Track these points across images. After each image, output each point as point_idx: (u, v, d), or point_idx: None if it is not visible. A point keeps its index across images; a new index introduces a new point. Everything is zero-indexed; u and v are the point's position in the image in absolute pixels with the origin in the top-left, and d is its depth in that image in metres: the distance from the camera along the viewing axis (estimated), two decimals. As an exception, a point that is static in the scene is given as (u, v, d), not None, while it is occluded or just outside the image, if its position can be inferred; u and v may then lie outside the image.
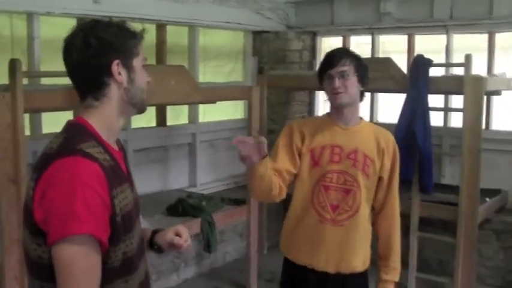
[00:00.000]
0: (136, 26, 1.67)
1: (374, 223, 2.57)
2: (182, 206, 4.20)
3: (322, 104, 6.09)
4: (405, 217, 4.52)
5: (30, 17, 3.93)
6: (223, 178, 5.60)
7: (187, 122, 5.37)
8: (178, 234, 1.81)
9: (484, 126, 4.77)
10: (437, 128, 5.02)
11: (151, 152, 4.96)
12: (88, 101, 1.59)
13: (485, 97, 4.39)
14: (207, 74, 5.51)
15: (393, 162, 2.52)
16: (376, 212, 2.57)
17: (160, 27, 4.95)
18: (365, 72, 2.45)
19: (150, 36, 4.93)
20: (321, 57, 5.89)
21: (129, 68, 1.60)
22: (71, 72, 1.60)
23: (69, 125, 1.60)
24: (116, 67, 1.56)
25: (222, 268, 5.28)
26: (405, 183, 4.47)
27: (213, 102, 4.43)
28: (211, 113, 5.54)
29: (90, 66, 1.55)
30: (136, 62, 1.62)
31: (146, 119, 5.00)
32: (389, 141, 2.53)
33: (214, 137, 5.54)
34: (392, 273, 2.56)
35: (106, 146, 1.57)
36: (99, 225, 1.43)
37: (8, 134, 2.95)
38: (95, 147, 1.51)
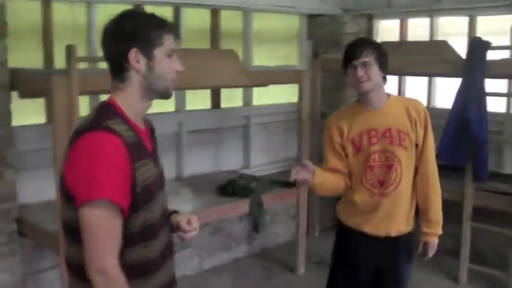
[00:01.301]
0: (167, 17, 1.79)
1: (413, 183, 2.79)
2: (232, 187, 4.31)
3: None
4: (457, 205, 4.48)
5: (89, 5, 4.11)
6: (277, 160, 5.66)
7: (241, 104, 5.46)
8: (189, 222, 1.91)
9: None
10: (499, 115, 4.90)
11: (205, 134, 5.08)
12: (115, 83, 1.77)
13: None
14: (262, 58, 5.56)
15: (425, 128, 2.73)
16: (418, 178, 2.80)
17: (215, 12, 5.03)
18: (385, 59, 2.69)
19: (205, 21, 5.03)
20: (377, 40, 5.90)
21: (149, 56, 1.72)
22: (104, 56, 1.79)
23: (100, 105, 1.78)
24: (134, 55, 1.71)
25: (272, 249, 5.36)
26: (458, 171, 4.42)
27: (264, 85, 4.49)
28: (267, 96, 5.61)
29: (114, 52, 1.74)
30: (158, 52, 1.73)
31: (201, 102, 5.12)
32: (420, 110, 2.74)
33: (269, 120, 5.60)
34: (434, 227, 2.79)
35: (131, 124, 1.73)
36: (119, 192, 1.61)
37: (64, 114, 3.13)
38: (120, 124, 1.68)
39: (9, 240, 3.57)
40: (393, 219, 2.73)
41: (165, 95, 1.83)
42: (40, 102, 4.07)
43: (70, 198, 1.64)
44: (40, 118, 4.11)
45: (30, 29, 4.02)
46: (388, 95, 2.77)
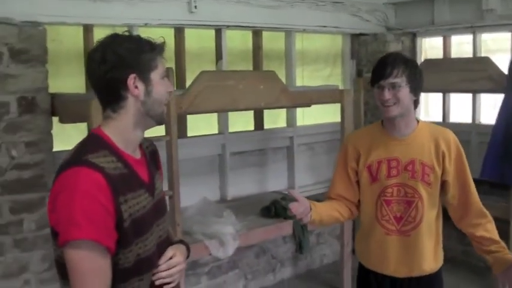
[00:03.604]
0: (158, 38, 1.75)
1: (466, 225, 2.50)
2: (275, 208, 4.30)
3: (424, 106, 5.98)
4: (504, 222, 4.36)
5: (130, 29, 4.21)
6: (321, 181, 5.62)
7: (285, 125, 5.48)
8: (173, 256, 1.81)
9: None
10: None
11: (248, 156, 5.12)
12: (107, 113, 1.70)
13: None
14: (305, 78, 5.59)
15: (458, 161, 2.44)
16: (461, 216, 2.50)
17: (256, 33, 5.10)
18: (418, 81, 2.39)
19: (247, 42, 5.11)
20: (421, 58, 5.86)
21: (146, 81, 1.68)
22: (92, 85, 1.72)
23: (86, 137, 1.73)
24: (132, 81, 1.66)
25: (318, 270, 5.32)
26: (502, 187, 4.32)
27: (306, 105, 4.50)
28: (312, 116, 5.62)
29: (108, 80, 1.65)
30: (154, 75, 1.69)
31: (244, 123, 5.17)
32: (450, 141, 2.44)
33: (313, 140, 5.60)
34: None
35: (120, 154, 1.66)
36: (100, 231, 1.52)
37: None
38: (106, 156, 1.61)
39: (52, 266, 3.60)
40: (414, 260, 2.45)
41: (161, 120, 1.78)
42: (82, 127, 4.17)
43: (55, 234, 1.57)
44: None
45: (72, 54, 4.12)
46: (417, 121, 2.47)
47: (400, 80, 2.31)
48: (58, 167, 1.64)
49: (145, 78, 1.68)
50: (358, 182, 2.51)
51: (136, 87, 1.67)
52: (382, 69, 2.34)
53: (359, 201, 2.55)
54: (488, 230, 2.45)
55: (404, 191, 2.41)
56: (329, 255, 5.46)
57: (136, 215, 1.63)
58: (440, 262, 2.53)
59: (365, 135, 2.56)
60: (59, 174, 1.58)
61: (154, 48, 1.70)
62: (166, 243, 1.82)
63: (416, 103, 2.43)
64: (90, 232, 1.50)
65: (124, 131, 1.69)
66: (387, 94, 2.32)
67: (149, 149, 1.88)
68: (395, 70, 2.32)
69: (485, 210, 2.48)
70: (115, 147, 1.67)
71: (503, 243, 2.43)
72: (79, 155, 1.60)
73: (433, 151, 2.41)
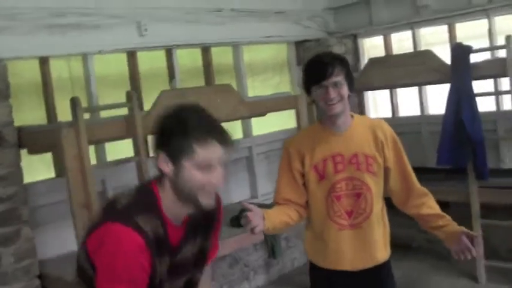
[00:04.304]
0: (216, 124, 1.65)
1: (410, 207, 2.58)
2: (244, 217, 4.38)
3: (372, 103, 6.20)
4: (465, 206, 4.58)
5: (85, 57, 4.28)
6: (283, 187, 5.74)
7: (241, 136, 5.59)
8: None
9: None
10: (490, 113, 5.05)
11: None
12: (160, 176, 1.71)
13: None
14: (256, 88, 5.72)
15: (395, 147, 2.53)
16: (404, 199, 2.59)
17: (205, 50, 5.21)
18: (352, 77, 2.47)
19: (197, 59, 5.20)
20: (364, 59, 6.08)
21: (175, 164, 1.63)
22: None
23: (145, 187, 1.75)
24: (163, 159, 1.64)
25: (290, 273, 5.41)
26: (460, 172, 4.54)
27: (263, 114, 4.63)
28: (265, 126, 5.74)
29: (154, 151, 1.69)
30: (188, 163, 1.61)
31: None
32: (386, 130, 2.54)
33: (270, 147, 5.71)
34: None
35: (164, 221, 1.69)
36: (138, 285, 1.64)
37: (76, 164, 3.25)
38: (152, 218, 1.65)
39: (34, 297, 3.61)
40: (368, 251, 2.51)
41: (196, 206, 1.69)
42: (47, 158, 4.19)
43: (90, 259, 1.67)
44: (49, 173, 4.22)
45: (32, 87, 4.17)
46: (352, 116, 2.53)
47: (341, 78, 2.39)
48: (108, 205, 1.72)
49: (174, 161, 1.63)
50: (303, 184, 2.52)
51: (167, 165, 1.64)
52: (323, 70, 2.38)
53: (306, 202, 2.55)
54: (432, 206, 2.56)
55: (353, 184, 2.45)
56: (299, 258, 5.55)
57: (159, 274, 1.72)
58: (389, 250, 2.61)
59: (305, 137, 2.57)
60: (108, 223, 1.64)
61: (197, 133, 1.60)
62: None
63: (349, 98, 2.48)
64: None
65: (168, 200, 1.69)
66: (332, 93, 2.36)
67: (207, 212, 1.79)
68: (336, 69, 2.37)
69: (424, 188, 2.59)
70: (162, 212, 1.69)
71: (448, 216, 2.53)
72: (131, 213, 1.64)
73: (372, 141, 2.49)
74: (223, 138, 1.64)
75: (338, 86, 2.38)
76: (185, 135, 1.60)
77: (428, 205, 2.55)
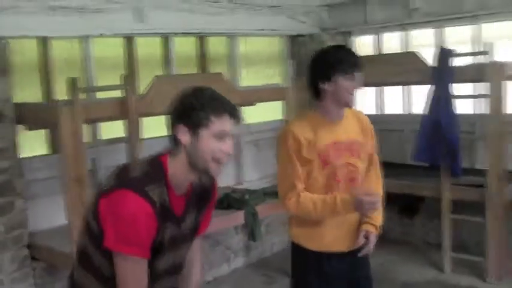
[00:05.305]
0: (227, 100, 1.87)
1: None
2: (227, 200, 4.61)
3: (360, 100, 6.39)
4: (438, 201, 4.84)
5: (85, 40, 4.47)
6: (268, 175, 5.90)
7: (231, 124, 5.76)
8: None
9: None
10: (470, 116, 5.27)
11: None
12: (173, 150, 1.92)
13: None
14: (250, 79, 5.91)
15: (373, 137, 2.74)
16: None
17: (201, 39, 5.40)
18: None
19: (193, 48, 5.39)
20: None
21: (193, 134, 1.85)
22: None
23: (156, 160, 1.94)
24: (181, 130, 1.86)
25: (270, 258, 5.68)
26: (436, 169, 4.77)
27: (252, 104, 4.82)
28: (256, 116, 5.93)
29: (170, 124, 1.90)
30: (205, 132, 1.83)
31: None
32: (366, 120, 2.73)
33: (258, 137, 5.91)
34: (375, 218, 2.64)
35: (169, 190, 1.90)
36: (144, 248, 1.85)
37: (71, 142, 3.44)
38: (159, 187, 1.86)
39: (22, 265, 3.81)
40: (355, 232, 2.66)
41: (205, 172, 1.90)
42: (42, 134, 4.37)
43: (99, 221, 1.87)
44: (43, 150, 4.41)
45: (31, 66, 4.33)
46: None
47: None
48: (121, 171, 1.92)
49: (192, 132, 1.85)
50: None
51: (184, 136, 1.86)
52: (358, 61, 2.52)
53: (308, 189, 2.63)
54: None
55: (348, 169, 2.59)
56: (278, 244, 5.80)
57: (163, 240, 1.92)
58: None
59: (307, 124, 2.60)
60: (121, 190, 1.83)
61: (214, 109, 1.84)
62: (179, 268, 2.11)
63: None
64: (137, 250, 1.84)
65: (179, 169, 1.90)
66: (358, 85, 2.52)
67: (205, 185, 2.06)
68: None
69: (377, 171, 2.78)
70: (168, 182, 1.90)
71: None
72: (142, 182, 1.84)
73: (360, 129, 2.68)
74: (234, 112, 1.88)
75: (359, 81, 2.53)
76: (203, 109, 1.83)
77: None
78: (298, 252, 2.74)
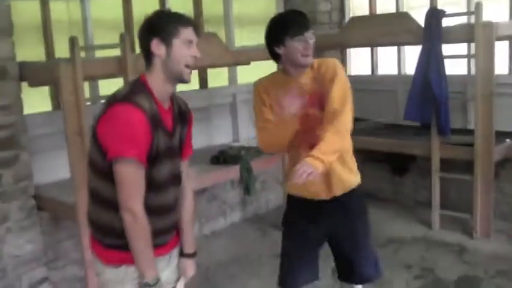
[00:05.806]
0: (186, 14, 2.20)
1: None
2: (223, 156, 4.78)
3: (354, 60, 6.52)
4: (429, 160, 5.01)
5: (83, 0, 4.56)
6: (263, 133, 6.10)
7: (227, 83, 5.91)
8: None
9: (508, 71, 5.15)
10: (462, 76, 5.39)
11: (195, 112, 5.38)
12: (147, 67, 2.20)
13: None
14: (244, 39, 6.00)
15: (332, 75, 2.65)
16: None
17: (196, -1, 5.48)
18: None
19: (188, 8, 5.47)
20: (349, 16, 6.33)
21: (167, 45, 2.13)
22: (139, 47, 2.22)
23: (134, 81, 2.23)
24: (156, 43, 2.13)
25: (265, 214, 5.89)
26: (426, 129, 4.92)
27: (247, 63, 4.94)
28: (250, 75, 6.05)
29: (143, 43, 2.18)
30: (176, 41, 2.13)
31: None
32: (329, 63, 2.71)
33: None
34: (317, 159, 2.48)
35: (155, 100, 2.15)
36: (141, 153, 2.08)
37: (72, 98, 3.59)
38: (147, 98, 2.12)
39: (29, 214, 3.99)
40: (334, 178, 2.73)
41: (180, 78, 2.19)
42: (45, 92, 4.51)
43: (100, 146, 2.10)
44: (46, 107, 4.57)
45: (32, 26, 4.46)
46: None
47: (312, 32, 2.67)
48: (108, 100, 2.14)
49: (166, 42, 2.13)
50: None
51: (159, 49, 2.13)
52: (304, 23, 2.64)
53: None
54: (325, 139, 2.55)
55: (309, 119, 2.68)
56: (273, 200, 6.00)
57: (158, 148, 2.15)
58: (358, 179, 2.87)
59: (272, 82, 2.80)
60: (112, 106, 2.08)
61: (179, 20, 2.16)
62: (178, 179, 2.34)
63: None
64: (135, 152, 2.06)
65: (157, 82, 2.17)
66: (310, 45, 2.63)
67: (181, 107, 2.33)
68: (310, 24, 2.67)
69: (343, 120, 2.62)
70: (152, 93, 2.16)
71: (323, 148, 2.49)
72: (129, 95, 2.11)
73: (318, 78, 2.69)
74: (195, 23, 2.21)
75: (312, 39, 2.64)
76: (173, 22, 2.14)
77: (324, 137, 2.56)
78: (288, 200, 2.98)
